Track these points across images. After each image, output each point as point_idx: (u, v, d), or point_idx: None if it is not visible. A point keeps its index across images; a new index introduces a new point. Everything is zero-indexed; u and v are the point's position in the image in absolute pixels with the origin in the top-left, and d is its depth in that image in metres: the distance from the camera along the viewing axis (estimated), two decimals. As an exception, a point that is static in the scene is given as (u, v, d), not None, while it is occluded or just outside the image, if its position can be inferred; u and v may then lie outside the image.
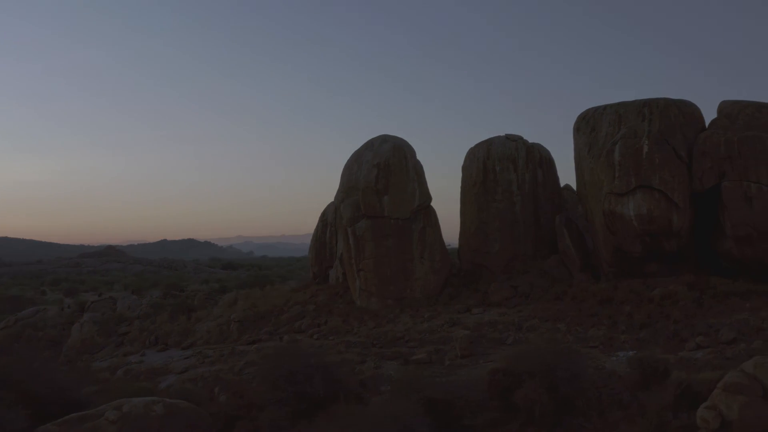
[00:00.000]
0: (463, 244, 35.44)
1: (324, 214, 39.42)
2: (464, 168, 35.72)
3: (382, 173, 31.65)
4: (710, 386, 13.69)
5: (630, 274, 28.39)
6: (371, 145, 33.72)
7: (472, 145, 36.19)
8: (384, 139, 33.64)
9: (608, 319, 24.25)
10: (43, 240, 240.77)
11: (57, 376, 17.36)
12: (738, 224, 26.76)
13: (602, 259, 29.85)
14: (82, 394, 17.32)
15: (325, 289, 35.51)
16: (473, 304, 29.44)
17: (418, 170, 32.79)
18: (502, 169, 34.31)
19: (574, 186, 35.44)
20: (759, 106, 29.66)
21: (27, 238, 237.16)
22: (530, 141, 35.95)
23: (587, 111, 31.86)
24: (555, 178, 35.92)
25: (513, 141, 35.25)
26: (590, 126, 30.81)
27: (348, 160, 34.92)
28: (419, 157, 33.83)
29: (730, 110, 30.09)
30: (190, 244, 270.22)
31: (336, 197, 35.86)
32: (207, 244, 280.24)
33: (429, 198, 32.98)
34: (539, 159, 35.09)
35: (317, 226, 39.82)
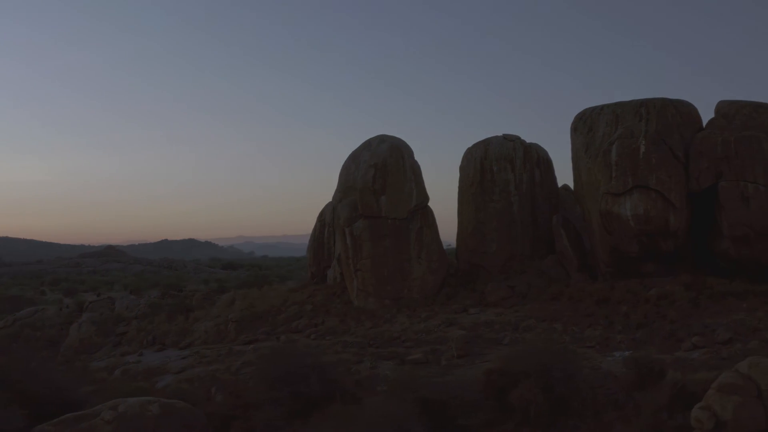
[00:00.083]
0: (461, 244, 35.46)
1: (322, 214, 39.43)
2: (462, 168, 35.73)
3: (380, 173, 31.65)
4: (706, 386, 13.68)
5: (627, 274, 28.40)
6: (369, 145, 33.72)
7: (470, 145, 36.18)
8: (382, 139, 33.63)
9: (605, 319, 24.27)
10: (44, 240, 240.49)
11: (54, 376, 17.32)
12: (735, 224, 26.80)
13: (599, 259, 29.87)
14: (79, 394, 17.31)
15: (323, 289, 35.53)
16: (470, 304, 29.46)
17: (415, 170, 32.78)
18: (500, 169, 34.32)
19: (572, 186, 35.42)
20: (756, 106, 29.67)
21: (27, 238, 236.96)
22: (528, 141, 35.97)
23: (584, 111, 31.87)
24: (552, 178, 35.92)
25: (510, 141, 35.27)
26: (587, 126, 30.83)
27: (346, 160, 34.92)
28: (417, 156, 33.89)
29: (727, 110, 30.10)
30: (190, 244, 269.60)
31: (334, 197, 35.88)
32: (208, 244, 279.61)
33: (426, 198, 32.98)
34: (537, 159, 35.10)
35: (315, 226, 39.85)
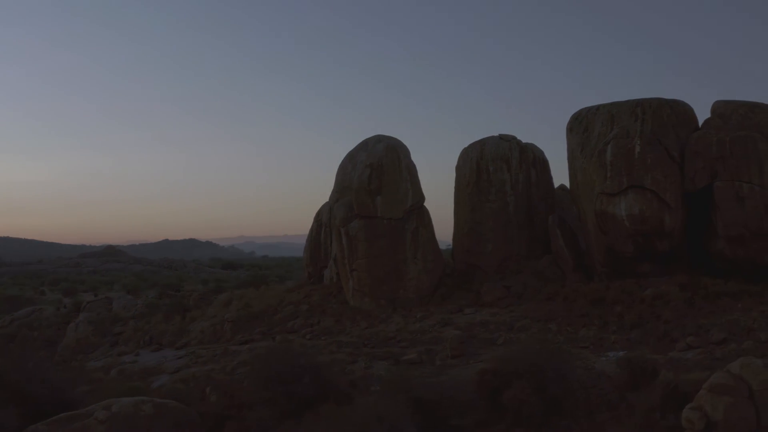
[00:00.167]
0: (457, 244, 35.44)
1: (319, 214, 39.39)
2: (458, 168, 35.70)
3: (375, 173, 31.64)
4: (698, 387, 13.75)
5: (623, 275, 28.42)
6: (366, 145, 33.72)
7: (466, 145, 36.18)
8: (378, 139, 33.64)
9: (599, 320, 24.32)
10: (44, 240, 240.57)
11: (51, 376, 17.39)
12: (730, 224, 26.83)
13: (595, 260, 29.90)
14: (75, 394, 17.36)
15: (320, 289, 35.49)
16: (466, 304, 29.46)
17: (411, 170, 32.78)
18: (496, 169, 34.29)
19: (569, 186, 35.43)
20: (752, 106, 29.70)
21: (28, 238, 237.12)
22: (524, 141, 35.94)
23: (580, 111, 31.91)
24: (548, 178, 35.89)
25: (506, 141, 35.23)
26: (583, 126, 30.85)
27: (343, 160, 34.93)
28: (414, 156, 33.89)
29: (723, 110, 30.14)
30: (191, 243, 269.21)
31: (330, 197, 35.87)
32: (209, 244, 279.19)
33: (422, 198, 32.99)
34: (533, 159, 35.06)
35: (312, 227, 39.81)
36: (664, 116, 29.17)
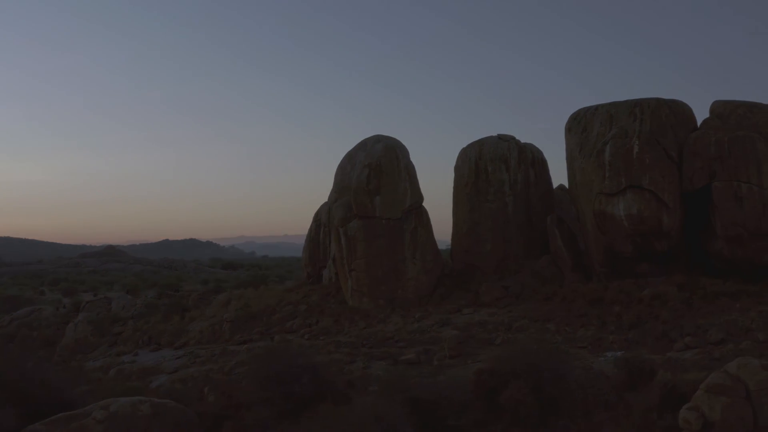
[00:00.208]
0: (456, 244, 35.45)
1: (318, 215, 39.42)
2: (456, 168, 35.70)
3: (374, 173, 31.65)
4: (696, 387, 13.70)
5: (621, 275, 28.42)
6: (364, 146, 33.76)
7: (465, 145, 36.20)
8: (377, 140, 33.66)
9: (597, 320, 24.33)
10: (45, 240, 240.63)
11: (50, 376, 17.36)
12: (728, 224, 26.83)
13: (593, 260, 29.90)
14: (74, 394, 17.34)
15: (318, 289, 35.52)
16: (464, 304, 29.46)
17: (409, 170, 32.80)
18: (494, 169, 34.29)
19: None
20: (751, 106, 29.71)
21: (28, 238, 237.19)
22: (523, 141, 35.97)
23: (579, 111, 31.90)
24: (547, 178, 35.89)
25: (505, 141, 35.24)
26: (582, 126, 30.84)
27: (342, 160, 34.95)
28: (413, 156, 33.95)
29: (722, 110, 30.15)
30: (192, 244, 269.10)
31: (329, 197, 35.90)
32: (209, 244, 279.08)
33: (421, 198, 33.02)
34: (531, 159, 35.07)
35: (311, 227, 39.84)
36: (663, 116, 29.16)
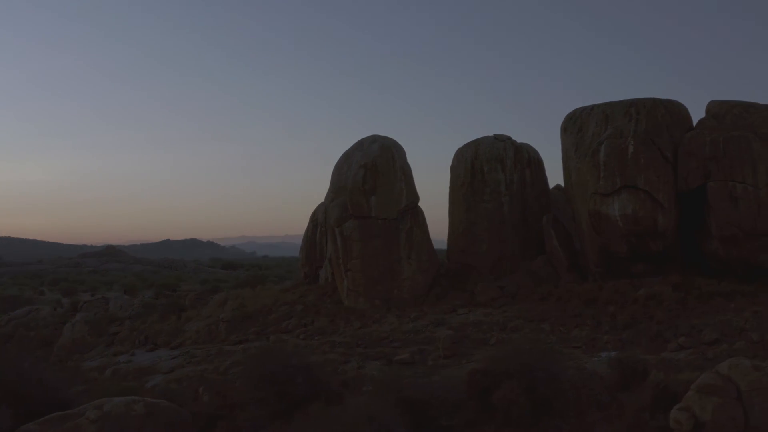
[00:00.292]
0: (452, 244, 35.46)
1: (314, 215, 39.49)
2: (452, 168, 35.70)
3: (370, 173, 31.67)
4: (688, 387, 13.73)
5: (617, 275, 28.43)
6: (361, 145, 33.77)
7: (461, 145, 36.21)
8: (374, 140, 33.68)
9: (592, 320, 24.34)
10: (45, 240, 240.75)
11: (46, 376, 17.39)
12: (723, 225, 26.87)
13: (589, 260, 29.92)
14: (70, 394, 17.38)
15: (315, 289, 35.54)
16: (460, 304, 29.44)
17: (405, 170, 32.81)
18: (490, 169, 34.26)
19: (565, 186, 35.36)
20: (747, 106, 29.70)
21: (29, 238, 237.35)
22: (519, 141, 35.97)
23: (575, 111, 31.87)
24: (543, 178, 35.88)
25: (501, 141, 35.23)
26: (577, 126, 30.85)
27: (338, 160, 34.96)
28: (410, 156, 33.97)
29: (717, 110, 30.15)
30: (193, 244, 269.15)
31: (326, 197, 35.91)
32: (210, 244, 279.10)
33: (416, 198, 33.04)
34: (527, 159, 35.04)
35: (308, 227, 39.92)
36: (659, 116, 29.17)
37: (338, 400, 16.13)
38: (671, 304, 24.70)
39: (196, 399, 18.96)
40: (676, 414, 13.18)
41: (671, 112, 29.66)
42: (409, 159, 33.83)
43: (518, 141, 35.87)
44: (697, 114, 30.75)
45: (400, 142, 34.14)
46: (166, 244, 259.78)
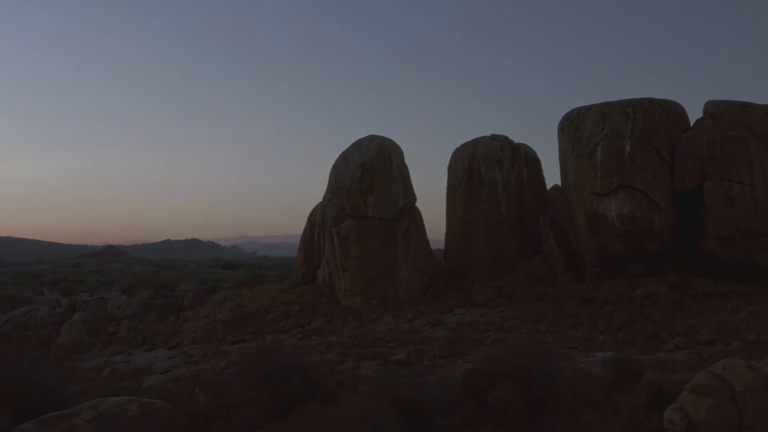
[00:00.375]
0: (449, 244, 35.46)
1: (312, 215, 39.50)
2: (450, 168, 35.71)
3: (367, 174, 31.67)
4: (683, 387, 13.77)
5: (613, 275, 28.43)
6: (359, 145, 33.76)
7: (459, 145, 36.22)
8: (371, 140, 33.68)
9: (588, 320, 24.33)
10: (46, 240, 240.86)
11: (44, 376, 17.41)
12: (720, 225, 26.86)
13: (586, 260, 29.92)
14: (67, 394, 17.39)
15: (312, 289, 35.56)
16: (456, 304, 29.44)
17: (402, 171, 32.83)
18: (488, 169, 34.27)
19: (562, 187, 35.33)
20: (744, 106, 29.71)
21: (29, 238, 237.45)
22: (516, 141, 35.96)
23: (572, 111, 31.90)
24: (540, 178, 35.87)
25: (498, 141, 35.22)
26: (574, 126, 30.86)
27: (336, 160, 34.94)
28: (407, 156, 33.98)
29: (715, 110, 30.16)
30: (193, 244, 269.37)
31: (324, 197, 35.89)
32: (210, 244, 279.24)
33: (413, 198, 33.05)
34: (525, 159, 35.05)
35: (306, 227, 39.93)
36: (656, 116, 29.18)
37: (333, 400, 16.15)
38: (668, 304, 24.69)
39: (193, 399, 18.98)
40: (669, 414, 13.21)
41: (668, 112, 29.66)
42: (407, 159, 33.93)
43: (515, 141, 35.90)
44: (694, 114, 30.83)
45: (398, 142, 34.23)
46: (167, 244, 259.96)
